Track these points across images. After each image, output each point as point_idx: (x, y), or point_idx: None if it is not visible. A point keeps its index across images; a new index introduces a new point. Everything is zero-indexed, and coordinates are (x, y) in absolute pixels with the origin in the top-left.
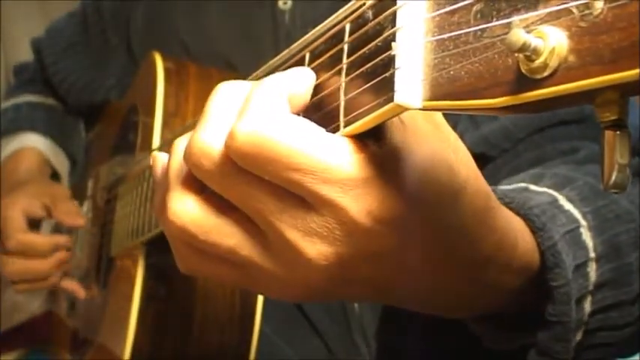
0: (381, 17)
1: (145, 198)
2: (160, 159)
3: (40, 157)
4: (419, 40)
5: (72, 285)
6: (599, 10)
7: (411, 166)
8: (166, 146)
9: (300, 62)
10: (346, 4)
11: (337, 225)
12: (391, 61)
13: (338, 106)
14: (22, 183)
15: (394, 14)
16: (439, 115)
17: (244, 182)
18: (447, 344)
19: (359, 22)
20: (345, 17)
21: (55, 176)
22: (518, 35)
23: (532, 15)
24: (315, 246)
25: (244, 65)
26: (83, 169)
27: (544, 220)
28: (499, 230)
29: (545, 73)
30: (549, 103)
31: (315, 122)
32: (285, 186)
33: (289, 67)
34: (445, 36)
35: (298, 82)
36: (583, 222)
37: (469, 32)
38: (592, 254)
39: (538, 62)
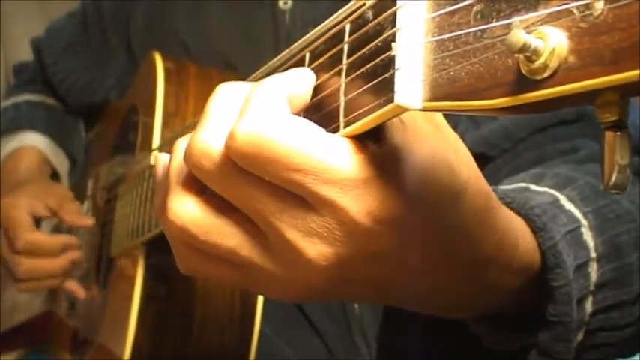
0: (381, 18)
1: (144, 198)
2: (161, 160)
3: (40, 156)
4: (419, 41)
5: (72, 285)
6: (600, 11)
7: (411, 167)
8: (166, 146)
9: (300, 63)
10: (346, 4)
11: (337, 225)
12: (391, 61)
13: (338, 107)
14: (22, 183)
15: (394, 15)
16: (439, 115)
17: (244, 183)
18: (447, 344)
19: (359, 23)
20: (345, 17)
21: (54, 176)
22: (519, 36)
23: (532, 16)
24: (315, 246)
25: (244, 65)
26: (83, 169)
27: (545, 220)
28: (500, 230)
29: (546, 74)
30: (549, 103)
31: (315, 123)
32: (285, 186)
33: (289, 67)
34: (445, 36)
35: (298, 83)
36: (584, 222)
37: (469, 33)
38: (593, 254)
39: (538, 63)
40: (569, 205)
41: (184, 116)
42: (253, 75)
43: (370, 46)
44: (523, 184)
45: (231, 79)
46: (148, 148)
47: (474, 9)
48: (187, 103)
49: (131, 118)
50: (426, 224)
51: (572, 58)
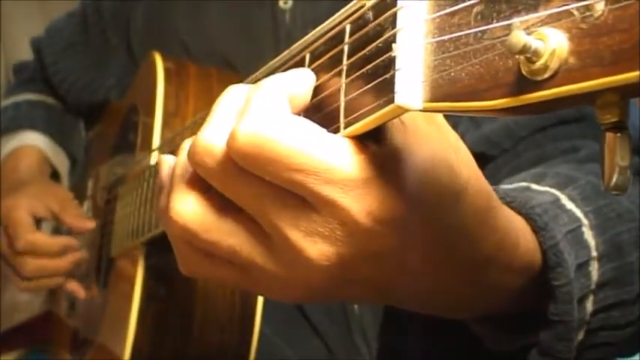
0: (382, 18)
1: (145, 198)
2: (166, 161)
3: (40, 155)
4: (419, 42)
5: (73, 285)
6: (600, 12)
7: (411, 167)
8: (166, 146)
9: (300, 63)
10: (347, 3)
11: (338, 225)
12: (392, 62)
13: (338, 107)
14: (23, 182)
15: (395, 15)
16: (439, 115)
17: (246, 182)
18: (447, 344)
19: (359, 23)
20: (346, 18)
21: (54, 175)
22: (519, 37)
23: (532, 17)
24: (316, 246)
25: (244, 65)
26: (83, 168)
27: (546, 220)
28: (500, 230)
29: (546, 75)
30: (550, 104)
31: (315, 123)
32: (286, 186)
33: (289, 68)
34: (445, 37)
35: (298, 83)
36: (585, 221)
37: (469, 34)
38: (594, 253)
39: (539, 64)
40: (570, 205)
41: (184, 116)
42: (253, 76)
43: (370, 46)
44: (524, 184)
45: (231, 79)
46: (148, 148)
47: (475, 10)
48: (187, 103)
49: (131, 118)
50: (426, 224)
51: (572, 59)
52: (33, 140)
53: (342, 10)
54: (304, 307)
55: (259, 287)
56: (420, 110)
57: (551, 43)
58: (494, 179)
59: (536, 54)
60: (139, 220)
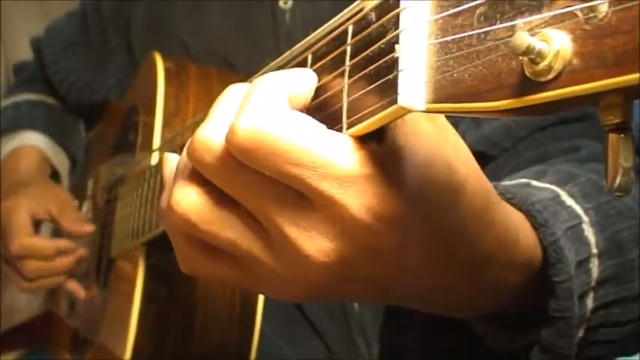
0: (385, 19)
1: (145, 199)
2: (169, 159)
3: (40, 155)
4: (422, 43)
5: (73, 285)
6: (604, 14)
7: (411, 165)
8: (167, 146)
9: (302, 64)
10: (347, 2)
11: (337, 221)
12: (394, 63)
13: (341, 108)
14: (23, 183)
15: (397, 16)
16: (441, 115)
17: (245, 177)
18: (447, 343)
19: (362, 24)
20: (348, 19)
21: (54, 175)
22: (523, 38)
23: (536, 18)
24: (314, 241)
25: (244, 65)
26: (83, 168)
27: (546, 216)
28: (497, 225)
29: (550, 76)
30: (553, 106)
31: None
32: (284, 181)
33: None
34: (448, 38)
35: (299, 82)
36: (585, 218)
37: (473, 35)
38: (594, 250)
39: (542, 65)
40: (570, 201)
41: (185, 116)
42: (255, 77)
43: (373, 47)
44: (524, 180)
45: (231, 79)
46: (148, 148)
47: (478, 11)
48: (187, 103)
49: (131, 118)
50: (425, 222)
51: (576, 60)
52: (33, 140)
53: (345, 11)
54: (304, 307)
55: (259, 285)
56: (423, 111)
57: (555, 45)
58: (494, 179)
59: (540, 55)
60: (139, 221)
